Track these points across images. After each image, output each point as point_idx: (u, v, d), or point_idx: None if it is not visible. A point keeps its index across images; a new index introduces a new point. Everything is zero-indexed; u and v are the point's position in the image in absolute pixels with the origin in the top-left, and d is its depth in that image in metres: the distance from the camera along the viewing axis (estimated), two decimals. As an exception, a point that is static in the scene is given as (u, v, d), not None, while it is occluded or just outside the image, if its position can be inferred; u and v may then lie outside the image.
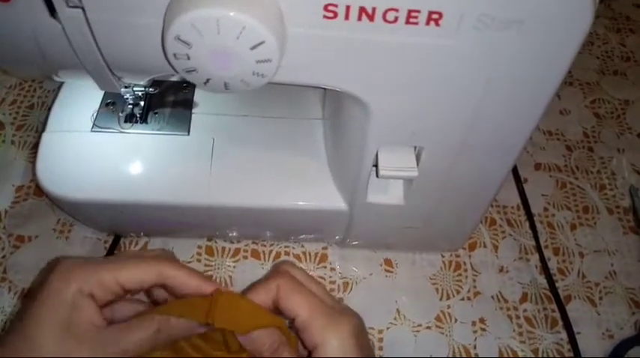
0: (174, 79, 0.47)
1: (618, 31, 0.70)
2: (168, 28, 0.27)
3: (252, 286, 0.33)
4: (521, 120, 0.35)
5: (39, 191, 0.51)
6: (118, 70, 0.34)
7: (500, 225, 0.52)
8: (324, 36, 0.29)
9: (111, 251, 0.47)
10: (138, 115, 0.45)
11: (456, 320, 0.46)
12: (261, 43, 0.27)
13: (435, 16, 0.28)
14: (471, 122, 0.35)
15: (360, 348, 0.30)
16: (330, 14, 0.28)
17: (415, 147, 0.38)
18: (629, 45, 0.68)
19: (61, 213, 0.50)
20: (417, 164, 0.38)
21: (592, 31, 0.30)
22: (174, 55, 0.28)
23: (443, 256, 0.50)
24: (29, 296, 0.42)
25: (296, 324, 0.30)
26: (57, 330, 0.27)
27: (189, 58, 0.28)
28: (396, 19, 0.28)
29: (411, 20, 0.28)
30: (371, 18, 0.28)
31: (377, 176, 0.38)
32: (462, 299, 0.48)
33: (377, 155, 0.37)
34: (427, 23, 0.29)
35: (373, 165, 0.39)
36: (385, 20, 0.28)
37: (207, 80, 0.30)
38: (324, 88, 0.46)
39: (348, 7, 0.27)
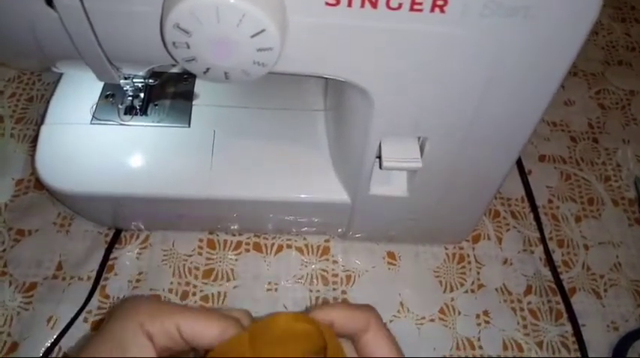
0: (174, 70, 0.47)
1: (623, 20, 0.69)
2: (167, 16, 0.27)
3: (337, 305, 0.30)
4: (526, 110, 0.35)
5: (39, 184, 0.50)
6: (116, 60, 0.34)
7: (505, 217, 0.52)
8: (327, 24, 0.29)
9: (111, 245, 0.47)
10: (138, 107, 0.45)
11: (459, 313, 0.46)
12: (262, 31, 0.27)
13: (440, 2, 0.27)
14: (476, 112, 0.34)
15: None
16: (333, 1, 0.27)
17: (419, 138, 0.37)
18: (634, 35, 0.67)
19: (61, 207, 0.49)
20: (421, 155, 0.37)
21: (596, 21, 0.29)
22: (174, 43, 0.28)
23: (446, 248, 0.50)
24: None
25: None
26: None
27: (188, 47, 0.28)
28: (400, 5, 0.28)
29: (415, 7, 0.28)
30: (374, 5, 0.28)
31: (380, 167, 0.37)
32: (466, 291, 0.47)
33: (380, 146, 0.37)
34: (432, 10, 0.28)
35: (376, 157, 0.38)
36: (389, 7, 0.28)
37: (207, 69, 0.29)
38: (326, 78, 0.46)
39: (350, -6, 0.27)
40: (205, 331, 0.26)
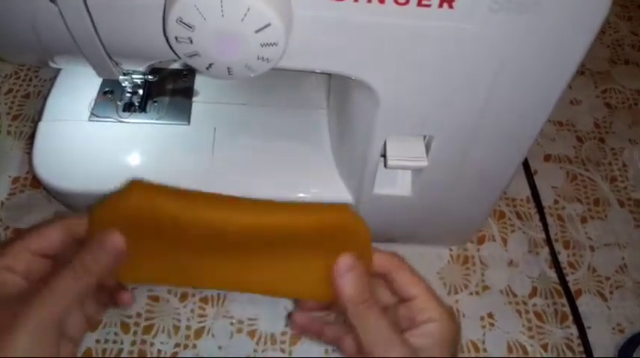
0: (174, 66, 0.46)
1: (629, 19, 0.68)
2: (169, 10, 0.26)
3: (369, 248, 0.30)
4: (534, 109, 0.34)
5: (35, 182, 0.49)
6: (116, 55, 0.33)
7: (510, 218, 0.51)
8: (332, 19, 0.28)
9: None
10: (137, 104, 0.44)
11: (464, 315, 0.45)
12: (267, 25, 0.26)
13: (449, -3, 0.27)
14: (483, 110, 0.33)
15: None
16: (339, -5, 0.27)
17: (425, 137, 0.37)
18: (640, 33, 0.67)
19: (58, 205, 0.48)
20: (427, 154, 0.36)
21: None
22: (176, 38, 0.27)
23: (451, 250, 0.49)
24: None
25: (409, 303, 0.29)
26: None
27: (191, 42, 0.27)
28: (408, 1, 0.27)
29: (424, 2, 0.27)
30: (381, 0, 0.27)
31: (385, 166, 0.36)
32: (471, 293, 0.47)
33: (385, 145, 0.36)
34: (440, 5, 0.27)
35: (381, 155, 0.37)
36: (396, 2, 0.27)
37: (210, 65, 0.28)
38: (329, 75, 0.45)
39: (357, -12, 0.26)
40: (50, 233, 0.28)
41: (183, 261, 0.29)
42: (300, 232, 0.28)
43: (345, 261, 0.28)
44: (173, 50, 0.28)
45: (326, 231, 0.28)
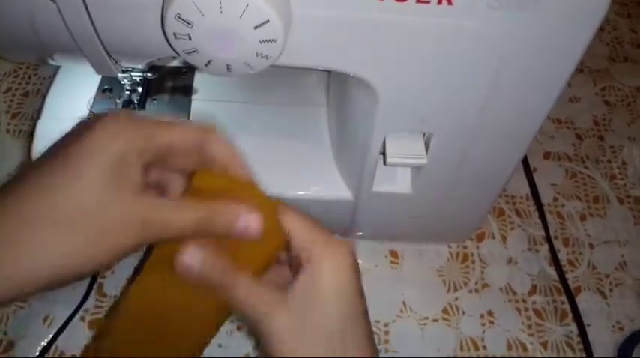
0: (173, 63, 0.46)
1: (629, 16, 0.68)
2: (168, 7, 0.26)
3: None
4: (533, 106, 0.34)
5: (35, 180, 0.49)
6: (115, 52, 0.33)
7: (509, 216, 0.51)
8: (331, 16, 0.28)
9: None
10: (136, 102, 0.44)
11: (463, 313, 0.45)
12: (266, 22, 0.26)
13: (448, -7, 0.27)
14: (482, 107, 0.33)
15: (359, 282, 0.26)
16: (338, -8, 0.27)
17: (424, 134, 0.37)
18: (639, 31, 0.67)
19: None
20: (426, 151, 0.36)
21: None
22: (175, 34, 0.27)
23: (450, 247, 0.49)
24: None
25: (292, 242, 0.26)
26: (101, 182, 0.23)
27: (190, 38, 0.27)
28: (407, -3, 0.27)
29: (423, -1, 0.27)
30: (381, -4, 0.27)
31: (384, 164, 0.36)
32: (470, 291, 0.47)
33: (384, 142, 0.36)
34: (439, 2, 0.27)
35: (380, 153, 0.37)
36: (396, -2, 0.27)
37: (209, 62, 0.28)
38: (329, 73, 0.45)
39: (357, -15, 0.26)
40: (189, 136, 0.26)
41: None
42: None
43: (180, 258, 0.25)
44: (172, 47, 0.28)
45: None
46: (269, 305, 0.25)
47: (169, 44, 0.28)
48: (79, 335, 0.42)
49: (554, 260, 0.47)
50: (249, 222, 0.25)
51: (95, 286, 0.44)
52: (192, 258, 0.25)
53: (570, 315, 0.45)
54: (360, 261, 0.47)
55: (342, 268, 0.25)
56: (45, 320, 0.43)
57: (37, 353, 0.41)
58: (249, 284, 0.25)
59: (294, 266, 0.26)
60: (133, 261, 0.46)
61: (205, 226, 0.25)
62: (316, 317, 0.25)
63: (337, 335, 0.25)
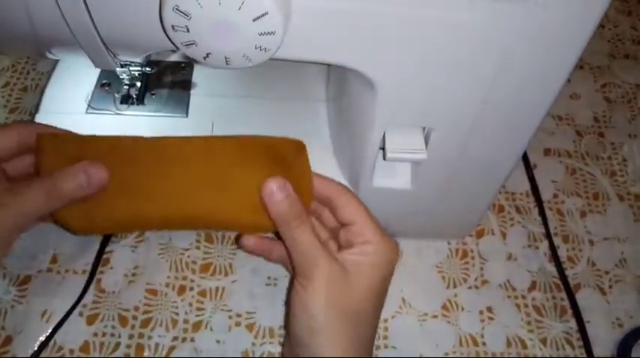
0: (172, 58, 0.46)
1: (629, 13, 0.68)
2: (165, -2, 0.26)
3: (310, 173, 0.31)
4: (534, 101, 0.34)
5: (33, 175, 0.49)
6: (113, 45, 0.33)
7: (509, 212, 0.51)
8: (331, 8, 0.28)
9: (106, 238, 0.46)
10: (134, 96, 0.44)
11: (462, 309, 0.45)
12: (265, 14, 0.26)
13: (449, -15, 0.26)
14: (483, 101, 0.33)
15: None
16: (338, -17, 0.26)
17: (424, 129, 0.36)
18: (640, 28, 0.67)
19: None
20: (426, 146, 0.36)
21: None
22: (173, 27, 0.27)
23: (449, 244, 0.49)
24: None
25: (348, 227, 0.30)
26: None
27: (188, 31, 0.27)
28: (408, -11, 0.27)
29: (424, -9, 0.27)
30: (381, -12, 0.27)
31: (384, 158, 0.36)
32: (469, 287, 0.46)
33: (384, 137, 0.36)
34: (440, -6, 0.27)
35: (380, 148, 0.37)
36: (396, -9, 0.27)
37: (207, 54, 0.28)
38: (328, 67, 0.45)
39: (357, -24, 0.26)
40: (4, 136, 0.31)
41: (128, 190, 0.30)
42: (240, 152, 0.30)
43: (272, 181, 0.29)
44: (170, 39, 0.28)
45: (267, 153, 0.30)
46: (320, 255, 0.28)
47: (167, 37, 0.28)
48: (78, 330, 0.42)
49: (554, 256, 0.47)
50: (94, 174, 0.29)
51: (94, 281, 0.44)
52: (282, 186, 0.28)
53: (570, 312, 0.45)
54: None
55: (386, 263, 0.29)
56: (43, 315, 0.43)
57: (35, 349, 0.41)
58: (313, 232, 0.28)
59: (346, 242, 0.29)
60: (133, 256, 0.46)
61: (55, 194, 0.28)
62: (353, 287, 0.28)
63: (356, 314, 0.28)
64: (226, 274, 0.46)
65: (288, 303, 0.31)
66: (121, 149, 0.31)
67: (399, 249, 0.30)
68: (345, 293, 0.27)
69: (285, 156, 0.30)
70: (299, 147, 0.29)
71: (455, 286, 0.46)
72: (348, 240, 0.29)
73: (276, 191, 0.28)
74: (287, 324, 0.29)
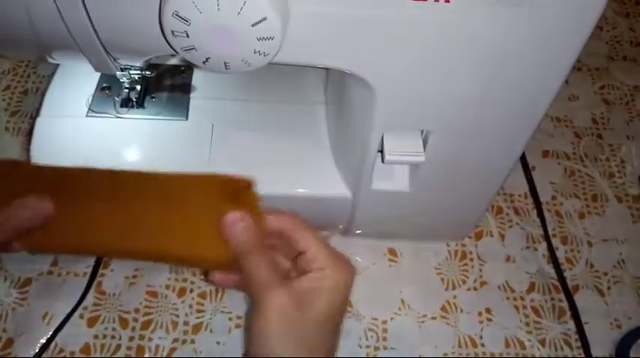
0: (172, 62, 0.46)
1: (627, 15, 0.68)
2: (165, 4, 0.26)
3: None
4: (531, 104, 0.34)
5: (34, 178, 0.49)
6: (113, 50, 0.33)
7: (507, 214, 0.51)
8: (329, 13, 0.28)
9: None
10: (134, 100, 0.44)
11: (461, 311, 0.45)
12: (263, 19, 0.26)
13: (446, -10, 0.27)
14: (481, 104, 0.33)
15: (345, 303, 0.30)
16: (336, -11, 0.27)
17: (422, 132, 0.37)
18: (638, 30, 0.67)
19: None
20: (424, 149, 0.36)
21: (601, 16, 0.28)
22: (172, 32, 0.27)
23: (448, 245, 0.49)
24: None
25: (303, 256, 0.30)
26: None
27: (187, 36, 0.27)
28: (405, -6, 0.27)
29: (421, -4, 0.27)
30: (378, -6, 0.27)
31: (382, 161, 0.36)
32: (468, 289, 0.47)
33: (382, 139, 0.36)
34: (437, -1, 0.27)
35: (378, 151, 0.37)
36: (393, -4, 0.27)
37: (207, 59, 0.28)
38: (327, 71, 0.45)
39: (354, -19, 0.26)
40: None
41: (77, 217, 0.30)
42: (192, 189, 0.30)
43: (234, 213, 0.29)
44: (169, 44, 0.28)
45: (219, 190, 0.30)
46: (273, 284, 0.28)
47: (167, 42, 0.28)
48: (79, 332, 0.42)
49: (553, 258, 0.47)
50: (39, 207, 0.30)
51: (94, 283, 0.45)
52: (243, 217, 0.29)
53: (568, 313, 0.46)
54: (358, 259, 0.47)
55: (342, 285, 0.30)
56: (44, 317, 0.43)
57: (37, 351, 0.41)
58: (270, 262, 0.29)
59: (302, 270, 0.30)
60: (131, 258, 0.46)
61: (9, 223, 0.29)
62: (307, 313, 0.28)
63: (313, 339, 0.28)
64: (226, 276, 0.46)
65: (246, 329, 0.32)
66: (75, 179, 0.31)
67: (354, 269, 0.30)
68: (299, 319, 0.28)
69: (237, 193, 0.31)
70: (248, 185, 0.30)
71: (454, 287, 0.47)
72: (303, 268, 0.30)
73: (238, 222, 0.29)
74: (246, 350, 0.30)
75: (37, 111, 0.43)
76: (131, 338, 0.42)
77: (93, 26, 0.30)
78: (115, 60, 0.34)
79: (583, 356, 0.43)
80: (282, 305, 0.28)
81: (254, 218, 0.30)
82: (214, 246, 0.30)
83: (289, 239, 0.31)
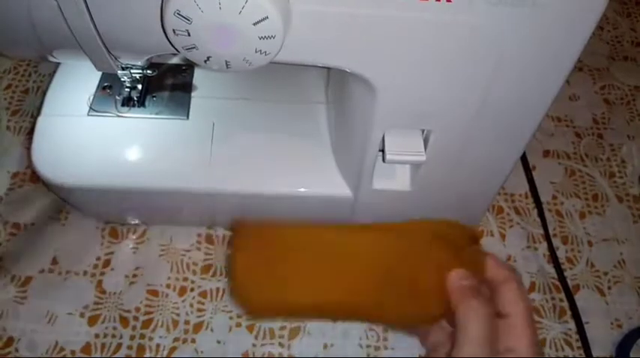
0: (173, 61, 0.46)
1: (628, 15, 0.68)
2: (167, 2, 0.26)
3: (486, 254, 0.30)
4: (532, 103, 0.34)
5: (35, 177, 0.49)
6: (114, 49, 0.33)
7: (508, 214, 0.51)
8: (330, 12, 0.28)
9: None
10: (135, 99, 0.44)
11: (462, 310, 0.45)
12: (265, 18, 0.26)
13: (447, -11, 0.27)
14: (482, 103, 0.33)
15: None
16: (337, -12, 0.27)
17: (423, 131, 0.37)
18: (639, 30, 0.67)
19: (57, 200, 0.48)
20: (425, 148, 0.36)
21: (602, 16, 0.28)
22: (174, 31, 0.27)
23: (449, 245, 0.49)
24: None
25: (502, 312, 0.28)
26: None
27: (189, 35, 0.27)
28: (406, -7, 0.27)
29: (422, -5, 0.27)
30: (379, -8, 0.27)
31: (383, 161, 0.36)
32: (469, 288, 0.47)
33: (383, 139, 0.36)
34: (439, -2, 0.27)
35: (379, 150, 0.37)
36: (394, -5, 0.27)
37: (208, 58, 0.28)
38: (328, 70, 0.45)
39: (356, -20, 0.26)
40: None
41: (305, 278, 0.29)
42: (407, 242, 0.29)
43: (458, 273, 0.28)
44: (171, 43, 0.28)
45: (435, 240, 0.28)
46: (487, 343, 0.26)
47: (169, 40, 0.28)
48: (79, 331, 0.42)
49: (553, 258, 0.47)
50: None
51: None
52: (464, 277, 0.28)
53: (569, 313, 0.45)
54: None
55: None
56: (44, 316, 0.43)
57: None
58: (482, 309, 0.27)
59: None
60: (134, 257, 0.46)
61: None
62: None
63: None
64: (227, 275, 0.46)
65: None
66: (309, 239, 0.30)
67: (541, 350, 0.29)
68: None
69: (456, 242, 0.29)
70: (472, 235, 0.29)
71: (454, 287, 0.47)
72: (501, 333, 0.28)
73: (462, 280, 0.28)
74: None
75: (38, 111, 0.43)
76: (132, 337, 0.42)
77: (94, 25, 0.30)
78: (116, 59, 0.34)
79: (584, 356, 0.43)
80: None
81: (475, 272, 0.28)
82: (432, 300, 0.28)
83: (497, 293, 0.28)
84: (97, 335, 0.42)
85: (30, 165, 0.49)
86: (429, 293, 0.28)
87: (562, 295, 0.46)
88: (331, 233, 0.29)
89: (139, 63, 0.38)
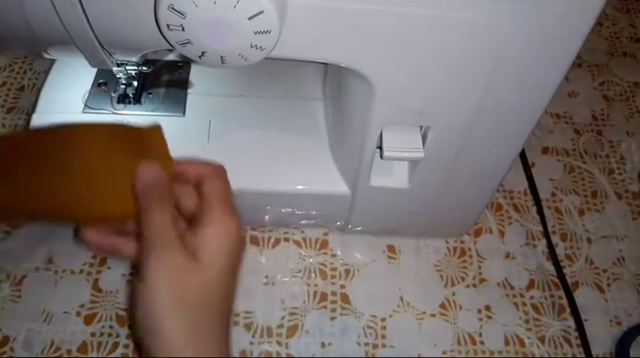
0: (169, 57, 0.46)
1: (627, 11, 0.68)
2: (160, -3, 0.25)
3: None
4: (531, 100, 0.34)
5: (30, 175, 0.49)
6: (109, 45, 0.33)
7: (507, 211, 0.51)
8: (327, 6, 0.28)
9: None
10: (131, 96, 0.43)
11: (461, 308, 0.45)
12: (260, 12, 0.26)
13: (446, -17, 0.26)
14: (481, 100, 0.33)
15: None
16: (334, -18, 0.26)
17: (421, 127, 0.36)
18: (638, 26, 0.67)
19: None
20: (423, 145, 0.36)
21: (601, 12, 0.28)
22: (168, 26, 0.27)
23: (447, 242, 0.49)
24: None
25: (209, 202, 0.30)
26: None
27: (183, 30, 0.27)
28: (404, -13, 0.27)
29: (420, -11, 0.27)
30: (377, -13, 0.27)
31: (381, 157, 0.36)
32: (467, 286, 0.46)
33: (381, 136, 0.36)
34: (437, -8, 0.27)
35: (377, 147, 0.37)
36: (392, -11, 0.27)
37: (203, 53, 0.28)
38: (325, 66, 0.45)
39: (352, -26, 0.26)
40: None
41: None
42: (107, 143, 0.30)
43: (149, 166, 0.29)
44: (165, 38, 0.28)
45: (129, 141, 0.30)
46: (170, 241, 0.28)
47: (163, 36, 0.27)
48: (76, 330, 0.42)
49: (552, 255, 0.47)
50: None
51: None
52: (152, 168, 0.29)
53: (568, 310, 0.45)
54: (357, 256, 0.47)
55: (233, 243, 0.29)
56: (40, 314, 0.43)
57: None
58: (170, 217, 0.28)
59: (196, 219, 0.30)
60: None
61: None
62: (191, 280, 0.27)
63: (204, 303, 0.28)
64: (224, 273, 0.46)
65: (132, 288, 0.32)
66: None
67: (240, 228, 0.30)
68: (188, 282, 0.27)
69: (145, 142, 0.31)
70: (157, 133, 0.31)
71: (453, 285, 0.46)
72: (199, 219, 0.29)
73: (148, 173, 0.29)
74: (131, 310, 0.30)
75: (33, 108, 0.43)
76: (128, 336, 0.42)
77: (87, 19, 0.30)
78: (111, 55, 0.34)
79: (583, 353, 0.43)
80: (173, 266, 0.27)
81: (162, 163, 0.29)
82: (123, 200, 0.29)
83: (201, 186, 0.30)
84: (93, 334, 0.42)
85: (25, 163, 0.49)
86: (120, 192, 0.29)
87: (561, 292, 0.46)
88: (52, 135, 0.31)
89: (134, 59, 0.37)
